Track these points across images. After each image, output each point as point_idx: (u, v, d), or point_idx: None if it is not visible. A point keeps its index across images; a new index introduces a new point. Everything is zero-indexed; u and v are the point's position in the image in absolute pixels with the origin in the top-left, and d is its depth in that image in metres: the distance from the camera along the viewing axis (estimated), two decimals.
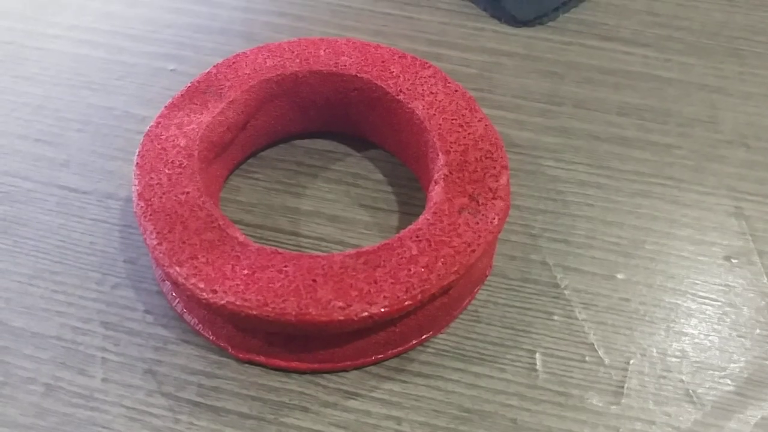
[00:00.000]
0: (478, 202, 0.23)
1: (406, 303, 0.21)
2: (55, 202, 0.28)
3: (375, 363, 0.24)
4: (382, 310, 0.21)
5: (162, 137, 0.25)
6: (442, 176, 0.24)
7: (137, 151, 0.25)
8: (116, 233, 0.27)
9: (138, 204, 0.23)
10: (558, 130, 0.31)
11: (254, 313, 0.21)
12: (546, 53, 0.34)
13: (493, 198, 0.23)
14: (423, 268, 0.21)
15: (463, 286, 0.24)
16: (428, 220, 0.23)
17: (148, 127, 0.26)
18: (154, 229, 0.22)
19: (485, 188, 0.24)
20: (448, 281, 0.21)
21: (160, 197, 0.23)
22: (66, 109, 0.31)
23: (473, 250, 0.22)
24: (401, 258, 0.22)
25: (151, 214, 0.23)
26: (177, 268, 0.21)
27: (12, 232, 0.27)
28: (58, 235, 0.27)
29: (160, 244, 0.22)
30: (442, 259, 0.22)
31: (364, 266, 0.22)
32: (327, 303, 0.21)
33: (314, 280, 0.21)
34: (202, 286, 0.21)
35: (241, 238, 0.22)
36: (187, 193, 0.23)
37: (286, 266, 0.21)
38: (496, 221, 0.23)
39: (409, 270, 0.21)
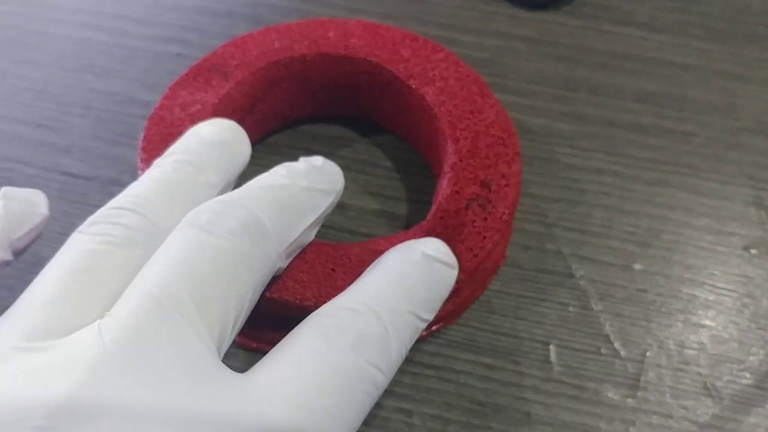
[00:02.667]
0: (490, 188, 0.22)
1: None
2: (58, 188, 0.27)
3: None
4: None
5: (167, 120, 0.24)
6: (451, 165, 0.23)
7: (141, 134, 0.24)
8: None
9: None
10: (573, 116, 0.30)
11: (274, 296, 0.20)
12: (560, 38, 0.34)
13: (506, 185, 0.23)
14: None
15: (472, 281, 0.23)
16: (435, 228, 0.22)
17: (152, 110, 0.25)
18: None
19: (498, 174, 0.23)
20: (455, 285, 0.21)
21: None
22: (68, 94, 0.31)
23: (475, 255, 0.21)
24: None
25: None
26: None
27: None
28: (61, 221, 0.26)
29: None
30: None
31: None
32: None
33: (333, 269, 0.21)
34: None
35: None
36: None
37: (305, 252, 0.21)
38: (506, 216, 0.22)
39: None
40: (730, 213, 0.27)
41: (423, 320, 0.18)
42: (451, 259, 0.19)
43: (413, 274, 0.18)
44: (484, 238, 0.21)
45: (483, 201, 0.22)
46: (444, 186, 0.23)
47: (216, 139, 0.21)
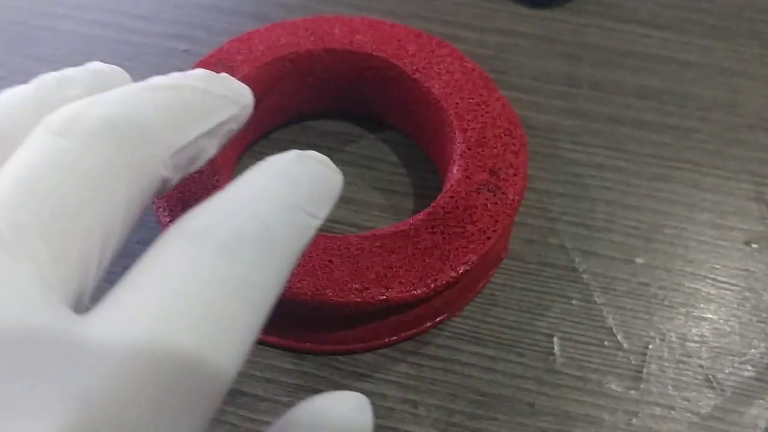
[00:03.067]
0: (499, 176, 0.23)
1: (421, 290, 0.21)
2: None
3: (389, 345, 0.23)
4: (398, 294, 0.21)
5: None
6: (460, 153, 0.23)
7: None
8: None
9: None
10: (576, 112, 0.31)
11: None
12: (563, 35, 0.34)
13: (514, 174, 0.23)
14: (436, 259, 0.21)
15: (477, 270, 0.23)
16: (444, 207, 0.22)
17: None
18: (167, 206, 0.22)
19: (506, 163, 0.23)
20: (461, 271, 0.21)
21: None
22: None
23: (488, 237, 0.21)
24: (416, 248, 0.21)
25: None
26: None
27: None
28: None
29: (172, 222, 0.22)
30: (455, 251, 0.21)
31: (379, 250, 0.21)
32: (344, 284, 0.20)
33: (330, 261, 0.21)
34: None
35: None
36: (201, 172, 0.23)
37: None
38: (515, 202, 0.22)
39: (424, 261, 0.21)
40: (732, 208, 0.28)
41: (313, 216, 0.15)
42: (330, 163, 0.17)
43: (292, 169, 0.16)
44: (496, 221, 0.22)
45: (493, 187, 0.22)
46: (454, 172, 0.23)
47: (94, 68, 0.17)
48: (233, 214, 0.14)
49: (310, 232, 0.15)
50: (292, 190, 0.15)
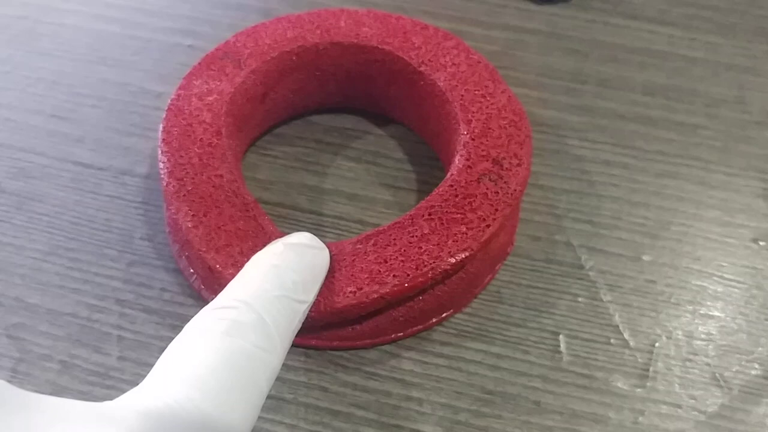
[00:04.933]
0: (502, 166, 0.23)
1: (418, 280, 0.21)
2: (70, 178, 0.28)
3: (394, 341, 0.23)
4: (394, 288, 0.20)
5: (185, 111, 0.24)
6: (463, 143, 0.23)
7: (161, 126, 0.24)
8: (132, 210, 0.26)
9: (169, 183, 0.23)
10: (582, 108, 0.30)
11: None
12: (570, 31, 0.34)
13: (518, 165, 0.23)
14: (434, 246, 0.21)
15: (482, 262, 0.23)
16: (442, 195, 0.22)
17: (168, 101, 0.25)
18: (189, 210, 0.22)
19: (510, 153, 0.23)
20: (460, 258, 0.21)
21: (193, 178, 0.23)
22: (81, 85, 0.31)
23: (488, 225, 0.21)
24: (412, 237, 0.21)
25: (185, 195, 0.22)
26: (214, 255, 0.21)
27: (27, 208, 0.27)
28: (73, 211, 0.27)
29: (196, 227, 0.22)
30: (454, 237, 0.21)
31: (374, 248, 0.21)
32: (339, 290, 0.21)
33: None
34: None
35: (272, 228, 0.22)
36: (221, 176, 0.23)
37: None
38: (517, 192, 0.22)
39: (420, 248, 0.21)
40: (739, 205, 0.27)
41: (299, 301, 0.19)
42: (316, 242, 0.21)
43: (278, 263, 0.19)
44: (496, 210, 0.22)
45: (495, 176, 0.22)
46: (456, 162, 0.23)
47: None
48: (231, 309, 0.18)
49: (299, 315, 0.19)
50: (279, 283, 0.19)
